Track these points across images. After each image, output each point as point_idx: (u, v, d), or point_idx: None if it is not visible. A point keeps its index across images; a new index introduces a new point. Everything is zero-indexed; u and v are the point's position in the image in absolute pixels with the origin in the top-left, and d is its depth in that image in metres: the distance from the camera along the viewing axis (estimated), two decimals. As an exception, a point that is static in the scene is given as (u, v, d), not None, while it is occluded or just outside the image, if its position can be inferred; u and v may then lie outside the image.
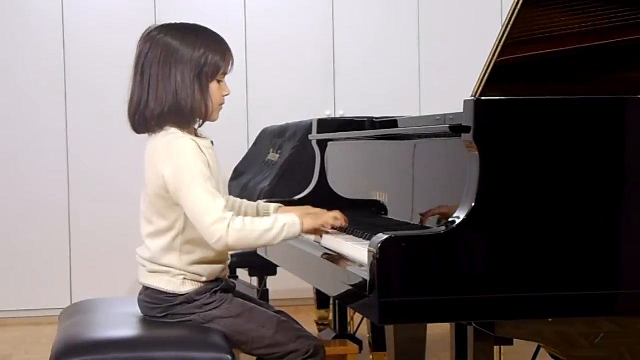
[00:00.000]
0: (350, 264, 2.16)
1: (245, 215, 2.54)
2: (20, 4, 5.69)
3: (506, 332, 2.09)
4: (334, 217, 2.44)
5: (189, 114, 2.34)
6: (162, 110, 2.33)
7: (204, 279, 2.37)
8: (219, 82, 2.38)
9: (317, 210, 2.53)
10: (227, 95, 2.41)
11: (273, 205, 2.64)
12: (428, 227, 2.22)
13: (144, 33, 2.39)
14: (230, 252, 2.50)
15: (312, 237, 2.55)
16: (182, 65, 2.33)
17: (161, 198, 2.32)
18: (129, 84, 2.38)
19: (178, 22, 2.43)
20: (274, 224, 2.30)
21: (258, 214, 2.60)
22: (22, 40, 5.67)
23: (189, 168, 2.27)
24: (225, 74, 2.39)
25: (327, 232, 2.46)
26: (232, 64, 2.41)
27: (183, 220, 2.33)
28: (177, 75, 2.32)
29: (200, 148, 2.32)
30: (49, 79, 5.69)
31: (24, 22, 5.68)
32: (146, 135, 2.40)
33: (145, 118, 2.35)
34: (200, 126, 2.40)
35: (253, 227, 2.28)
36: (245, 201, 2.66)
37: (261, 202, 2.68)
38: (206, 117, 2.37)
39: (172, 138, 2.32)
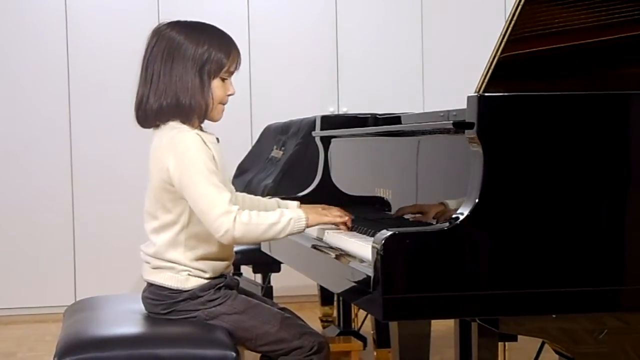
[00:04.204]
0: (354, 261, 2.16)
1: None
2: (23, 1, 5.69)
3: (510, 328, 2.09)
4: (339, 215, 2.44)
5: (188, 110, 2.33)
6: (161, 105, 2.33)
7: (208, 275, 2.37)
8: (223, 80, 2.38)
9: (332, 208, 2.54)
10: (231, 94, 2.40)
11: (292, 204, 2.64)
12: (431, 224, 2.22)
13: (153, 28, 2.40)
14: (235, 249, 2.49)
15: (315, 234, 2.55)
16: (184, 61, 2.33)
17: (166, 191, 2.32)
18: (137, 79, 2.39)
19: (189, 19, 2.43)
20: (280, 218, 2.30)
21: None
22: (25, 38, 5.67)
23: (194, 161, 2.27)
24: (230, 72, 2.39)
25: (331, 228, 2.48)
26: (239, 63, 2.40)
27: (187, 215, 2.34)
28: (178, 70, 2.32)
29: (205, 142, 2.32)
30: (52, 78, 5.69)
31: (27, 20, 5.68)
32: (150, 131, 2.40)
33: (146, 113, 2.36)
34: (201, 122, 2.40)
35: (259, 221, 2.28)
36: (262, 199, 2.67)
37: (280, 200, 2.68)
38: (206, 114, 2.37)
39: (176, 132, 2.32)
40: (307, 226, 2.35)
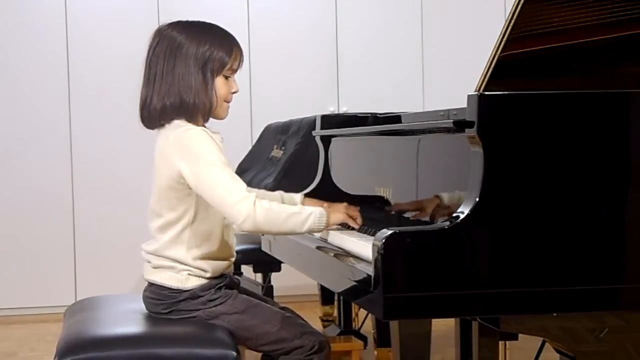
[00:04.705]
0: (355, 260, 2.16)
1: None
2: (23, 1, 5.69)
3: (511, 327, 2.09)
4: (356, 215, 2.44)
5: (192, 108, 2.33)
6: (164, 105, 2.33)
7: (208, 274, 2.37)
8: (226, 78, 2.37)
9: (341, 205, 2.54)
10: (235, 92, 2.40)
11: (298, 195, 2.64)
12: (432, 223, 2.22)
13: (155, 29, 2.40)
14: (236, 248, 2.49)
15: (317, 234, 2.55)
16: (186, 60, 2.32)
17: (173, 189, 2.32)
18: (139, 80, 2.39)
19: (190, 19, 2.43)
20: (301, 210, 2.29)
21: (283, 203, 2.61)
22: (25, 38, 5.67)
23: (205, 156, 2.26)
24: (233, 70, 2.38)
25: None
26: (241, 60, 2.40)
27: (192, 213, 2.33)
28: (180, 69, 2.32)
29: (212, 137, 2.31)
30: (53, 77, 5.69)
31: (27, 20, 5.68)
32: (152, 131, 2.40)
33: (150, 113, 2.35)
34: (205, 121, 2.40)
35: (281, 209, 2.27)
36: (267, 192, 2.67)
37: (284, 192, 2.68)
38: (210, 112, 2.37)
39: (183, 130, 2.31)
40: (328, 224, 2.33)
